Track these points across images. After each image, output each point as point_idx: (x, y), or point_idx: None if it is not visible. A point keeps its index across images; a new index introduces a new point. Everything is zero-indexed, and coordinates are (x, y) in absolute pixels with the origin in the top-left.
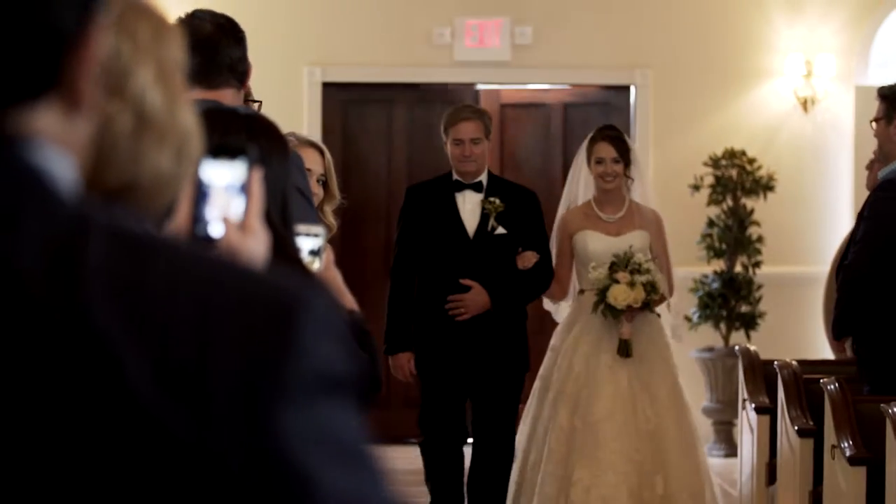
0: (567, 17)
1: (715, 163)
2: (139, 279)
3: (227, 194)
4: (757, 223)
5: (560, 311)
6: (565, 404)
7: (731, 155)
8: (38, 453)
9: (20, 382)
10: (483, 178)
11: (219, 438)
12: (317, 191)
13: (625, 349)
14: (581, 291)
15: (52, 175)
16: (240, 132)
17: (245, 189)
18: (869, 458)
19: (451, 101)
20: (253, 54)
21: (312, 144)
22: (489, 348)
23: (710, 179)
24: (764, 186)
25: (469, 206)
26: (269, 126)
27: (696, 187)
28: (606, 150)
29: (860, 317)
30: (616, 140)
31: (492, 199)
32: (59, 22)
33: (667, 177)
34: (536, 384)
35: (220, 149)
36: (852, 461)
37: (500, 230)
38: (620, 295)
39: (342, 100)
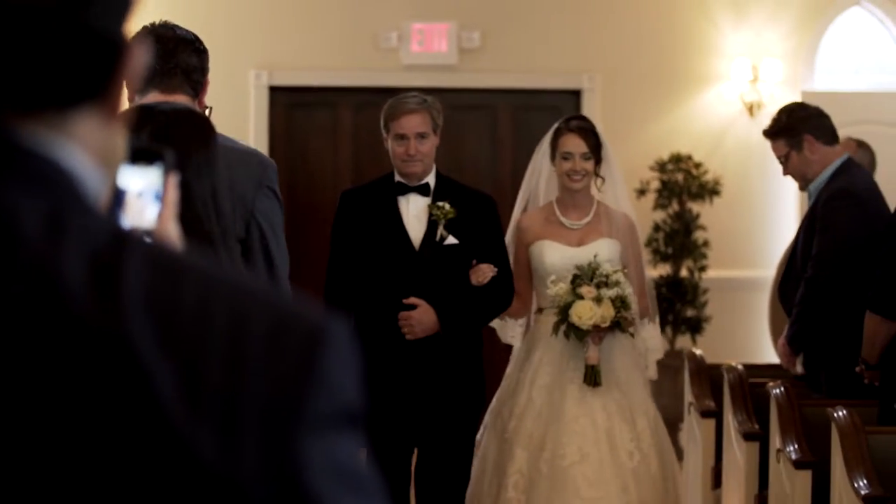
0: (514, 22)
1: (661, 167)
2: (174, 298)
3: (140, 201)
4: (703, 227)
5: (506, 328)
6: (524, 446)
7: (677, 159)
8: (60, 458)
9: (55, 389)
10: (430, 179)
11: (241, 461)
12: None
13: (592, 377)
14: (539, 310)
15: (87, 185)
16: (158, 135)
17: (160, 196)
18: (814, 461)
19: None
20: None
21: None
22: (438, 384)
23: (656, 184)
24: (710, 191)
25: (414, 213)
26: (194, 126)
27: (642, 191)
28: (575, 144)
29: (823, 329)
30: (586, 132)
31: (440, 203)
32: (111, 32)
33: None
34: (487, 417)
35: (136, 154)
36: (798, 465)
37: (451, 240)
38: (586, 313)
39: (288, 103)
